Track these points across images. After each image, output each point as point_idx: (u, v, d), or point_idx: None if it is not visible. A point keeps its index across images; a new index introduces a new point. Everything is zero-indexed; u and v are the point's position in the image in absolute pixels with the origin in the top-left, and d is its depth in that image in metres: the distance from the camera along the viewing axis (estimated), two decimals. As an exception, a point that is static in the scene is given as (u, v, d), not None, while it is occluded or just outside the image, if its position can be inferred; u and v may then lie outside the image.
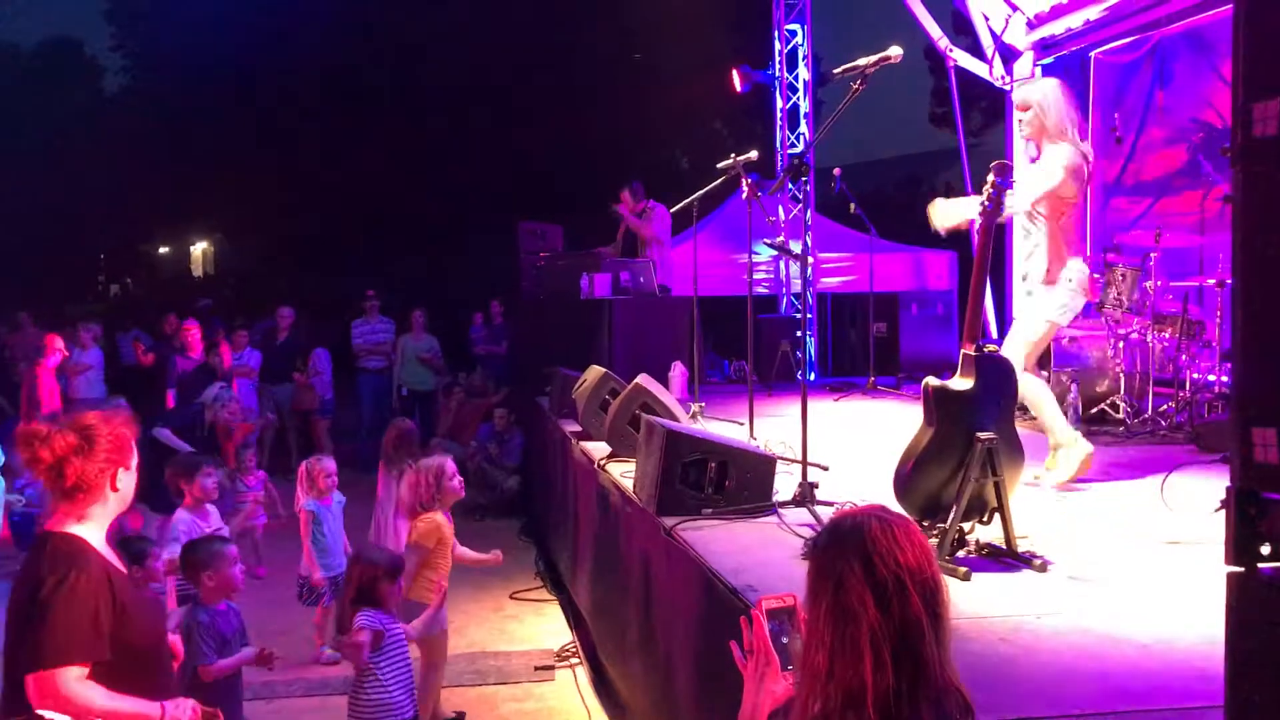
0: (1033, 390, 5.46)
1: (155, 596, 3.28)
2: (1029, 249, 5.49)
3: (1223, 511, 1.69)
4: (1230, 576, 1.66)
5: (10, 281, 21.97)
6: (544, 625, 7.29)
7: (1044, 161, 5.32)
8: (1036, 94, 5.33)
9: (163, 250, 35.21)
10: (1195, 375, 7.33)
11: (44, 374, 9.83)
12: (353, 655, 4.40)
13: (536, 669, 6.41)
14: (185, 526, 5.52)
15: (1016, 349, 5.36)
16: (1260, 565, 1.61)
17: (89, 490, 2.84)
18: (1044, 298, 5.42)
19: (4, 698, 2.75)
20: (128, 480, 2.93)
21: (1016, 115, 5.45)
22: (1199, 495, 4.76)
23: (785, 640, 2.14)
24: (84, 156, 25.71)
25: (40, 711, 2.46)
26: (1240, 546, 1.61)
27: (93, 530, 2.87)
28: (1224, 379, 7.23)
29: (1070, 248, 5.39)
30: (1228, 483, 1.69)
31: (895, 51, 4.85)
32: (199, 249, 34.77)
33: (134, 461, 2.96)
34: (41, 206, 24.81)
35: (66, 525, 2.84)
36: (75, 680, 2.66)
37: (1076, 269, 5.38)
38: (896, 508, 3.56)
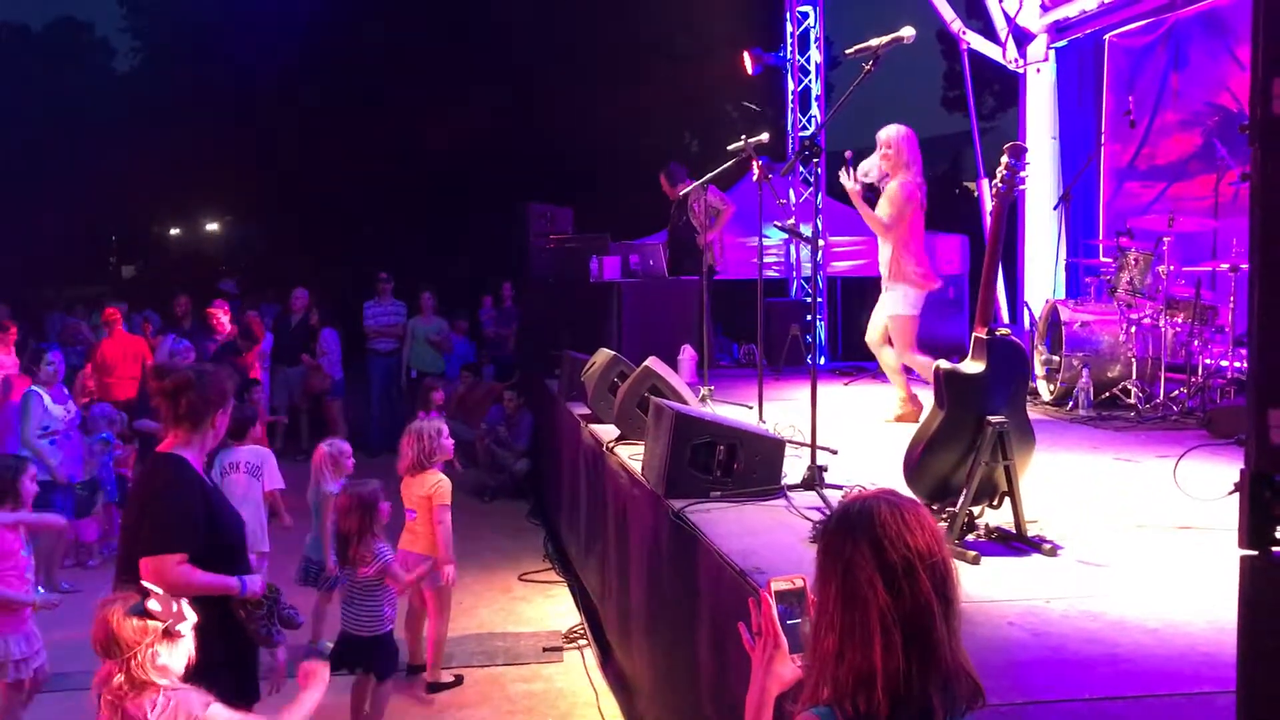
0: (887, 358, 7.00)
1: (235, 511, 3.94)
2: (884, 255, 6.85)
3: (1236, 495, 1.67)
4: (1243, 560, 1.64)
5: (21, 262, 22.00)
6: (552, 607, 7.30)
7: (887, 193, 6.69)
8: (894, 135, 6.66)
9: (173, 232, 35.21)
10: (1208, 361, 7.28)
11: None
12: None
13: (545, 650, 6.43)
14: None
15: (875, 330, 6.97)
16: (1274, 549, 1.59)
17: (195, 420, 3.54)
18: (891, 294, 6.81)
19: (120, 574, 3.48)
20: (224, 420, 3.67)
21: (879, 149, 6.72)
22: (1211, 480, 4.74)
23: (794, 623, 2.13)
24: (94, 137, 25.70)
25: (144, 584, 3.03)
26: (1254, 530, 1.59)
27: (193, 453, 3.57)
28: (1236, 364, 7.18)
29: (908, 253, 6.71)
30: (1241, 466, 1.67)
31: (907, 32, 4.82)
32: (215, 229, 34.73)
33: (230, 408, 3.72)
34: (52, 187, 24.83)
35: (174, 449, 3.55)
36: (176, 564, 3.36)
37: (912, 270, 6.72)
38: (906, 491, 3.57)
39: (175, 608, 2.92)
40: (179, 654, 2.91)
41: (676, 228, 10.22)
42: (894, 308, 6.82)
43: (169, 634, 2.88)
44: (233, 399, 3.75)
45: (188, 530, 3.42)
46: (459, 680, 6.04)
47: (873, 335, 7.12)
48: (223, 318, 10.57)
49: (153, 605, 2.88)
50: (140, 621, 2.84)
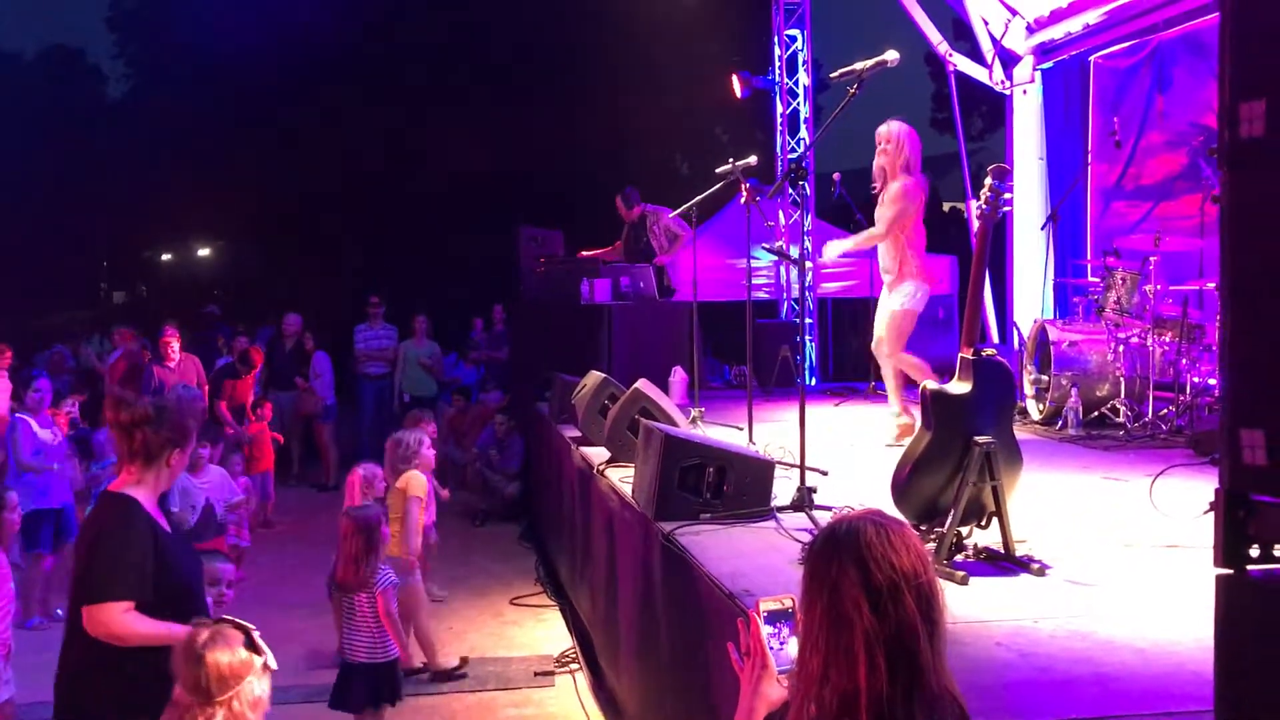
0: (908, 362, 6.84)
1: (194, 552, 3.83)
2: (887, 256, 6.78)
3: (1212, 514, 1.68)
4: (1219, 579, 1.65)
5: (12, 287, 21.96)
6: (544, 631, 7.28)
7: (888, 194, 6.63)
8: (895, 131, 6.61)
9: (165, 257, 35.19)
10: (1195, 379, 7.31)
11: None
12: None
13: (536, 675, 6.40)
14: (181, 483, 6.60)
15: (885, 334, 6.79)
16: (1249, 567, 1.60)
17: (149, 458, 3.34)
18: (898, 291, 6.73)
19: (68, 627, 3.34)
20: (180, 460, 3.45)
21: (879, 145, 6.67)
22: (1194, 499, 4.75)
23: (783, 642, 2.14)
24: (86, 164, 25.72)
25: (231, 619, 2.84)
26: (1229, 548, 1.61)
27: (145, 493, 3.36)
28: (1224, 383, 7.20)
29: (913, 251, 6.68)
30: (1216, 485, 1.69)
31: (891, 55, 4.86)
32: (207, 254, 34.71)
33: (190, 447, 3.52)
34: (44, 213, 24.84)
35: (125, 488, 3.35)
36: (120, 612, 3.18)
37: (918, 266, 6.70)
38: (894, 512, 3.58)
39: (262, 643, 2.77)
40: (266, 688, 2.75)
41: (635, 250, 10.35)
42: (898, 302, 6.76)
43: (266, 667, 2.73)
44: (194, 438, 3.56)
45: (133, 577, 3.22)
46: (464, 663, 6.40)
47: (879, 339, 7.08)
48: (174, 345, 10.58)
49: (257, 639, 2.73)
50: (247, 655, 2.69)
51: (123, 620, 3.18)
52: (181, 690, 2.67)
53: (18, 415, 7.86)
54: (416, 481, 6.22)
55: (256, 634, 2.76)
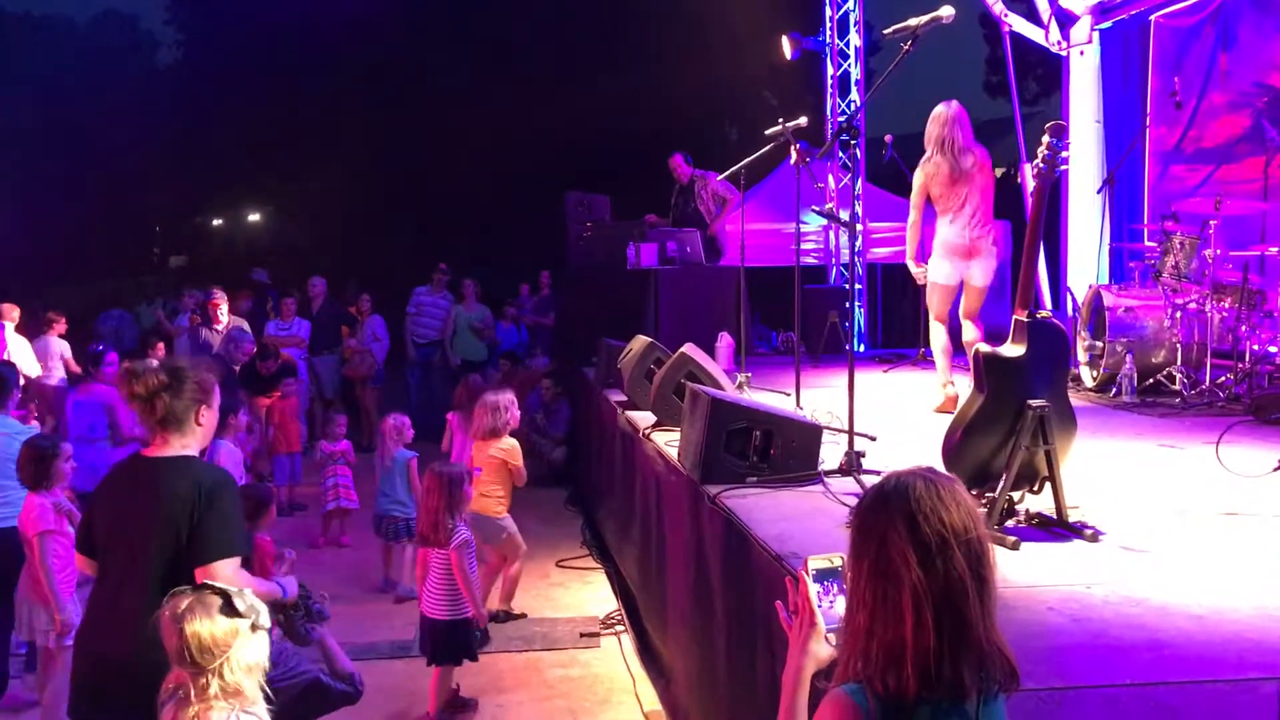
0: (935, 336, 7.00)
1: None
2: (979, 225, 6.74)
3: (1276, 474, 1.63)
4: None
5: (65, 254, 22.33)
6: (590, 593, 7.32)
7: (978, 162, 6.68)
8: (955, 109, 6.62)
9: (216, 223, 35.58)
10: (1255, 346, 7.15)
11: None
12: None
13: (582, 636, 6.44)
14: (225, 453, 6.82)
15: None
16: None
17: (178, 422, 3.33)
18: (985, 266, 6.78)
19: (145, 578, 3.20)
20: (210, 417, 3.43)
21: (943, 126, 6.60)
22: (1256, 461, 4.65)
23: (831, 601, 2.12)
24: (138, 129, 26.00)
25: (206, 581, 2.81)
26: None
27: (194, 454, 3.40)
28: (1286, 350, 7.04)
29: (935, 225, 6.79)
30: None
31: (946, 11, 4.76)
32: (256, 220, 35.03)
33: (216, 402, 3.46)
34: (95, 180, 25.17)
35: (183, 452, 3.34)
36: (235, 570, 3.21)
37: (938, 237, 6.82)
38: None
39: (250, 602, 2.69)
40: (262, 650, 2.68)
41: (684, 214, 10.28)
42: (930, 273, 6.99)
43: (255, 628, 2.66)
44: (216, 392, 3.48)
45: (243, 532, 3.30)
46: (523, 615, 6.73)
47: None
48: (222, 309, 10.72)
49: (239, 603, 2.65)
50: (230, 622, 2.61)
51: (235, 577, 3.17)
52: (174, 663, 2.63)
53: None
54: (517, 451, 6.68)
55: (242, 596, 2.68)
